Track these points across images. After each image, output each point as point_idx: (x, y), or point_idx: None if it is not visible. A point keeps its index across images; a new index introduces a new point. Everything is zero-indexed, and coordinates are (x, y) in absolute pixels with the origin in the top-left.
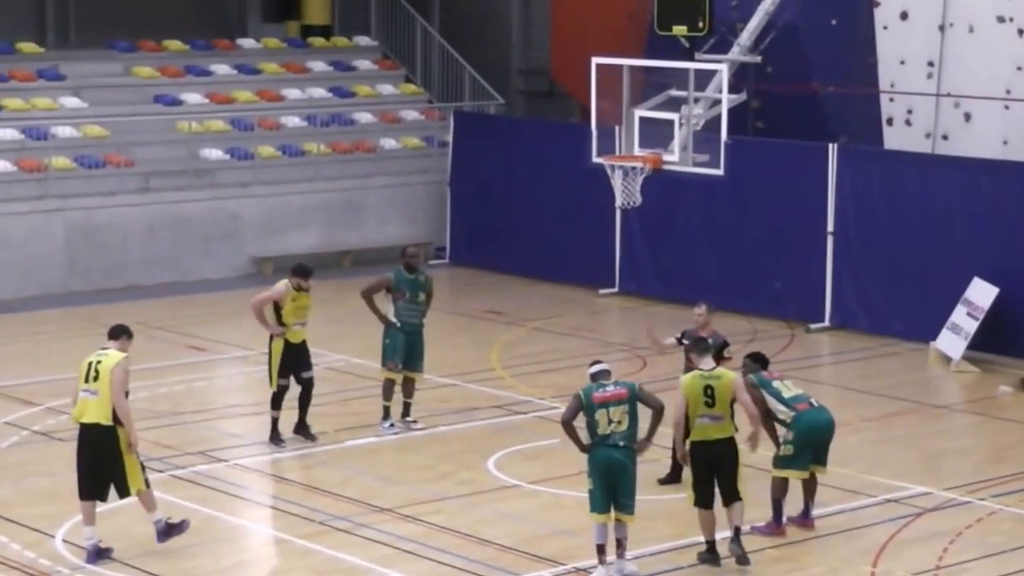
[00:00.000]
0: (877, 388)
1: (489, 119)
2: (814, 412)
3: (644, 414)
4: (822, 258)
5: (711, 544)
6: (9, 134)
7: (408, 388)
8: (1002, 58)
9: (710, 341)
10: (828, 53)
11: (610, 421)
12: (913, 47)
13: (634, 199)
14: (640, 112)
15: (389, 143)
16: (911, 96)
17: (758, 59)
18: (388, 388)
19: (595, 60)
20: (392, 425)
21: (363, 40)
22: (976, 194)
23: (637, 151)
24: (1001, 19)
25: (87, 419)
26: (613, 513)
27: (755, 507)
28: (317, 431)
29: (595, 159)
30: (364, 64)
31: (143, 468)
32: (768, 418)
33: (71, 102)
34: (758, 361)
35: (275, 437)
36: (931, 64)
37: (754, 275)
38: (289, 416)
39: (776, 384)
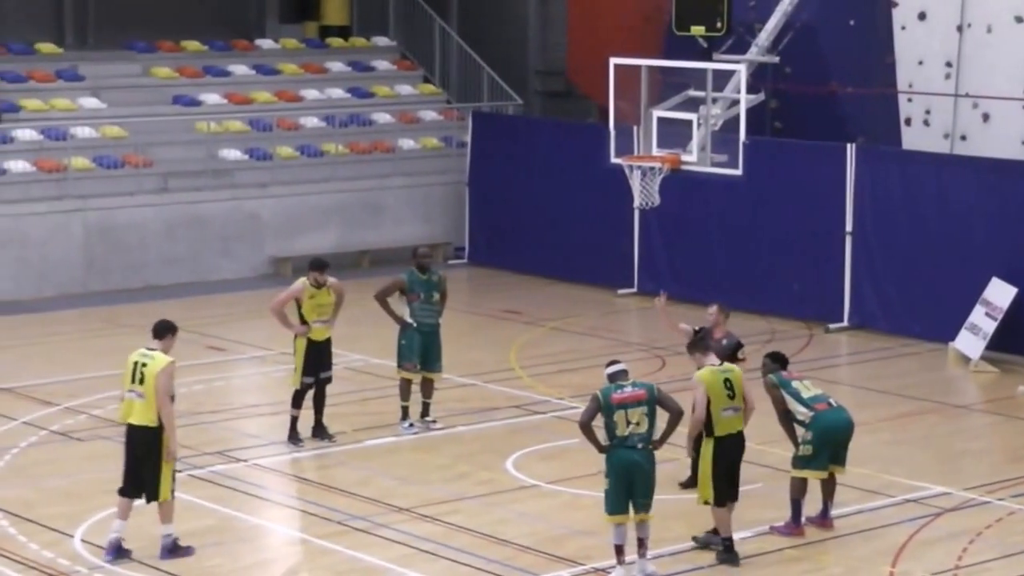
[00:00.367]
0: (896, 388)
1: (507, 119)
2: (833, 412)
3: (662, 415)
4: (840, 258)
5: (729, 543)
6: (28, 135)
7: (427, 388)
8: (1020, 58)
9: (723, 342)
10: (846, 53)
11: (629, 423)
12: (931, 47)
13: (652, 199)
14: (658, 112)
15: (407, 143)
16: (929, 96)
17: (776, 59)
18: (405, 388)
19: (613, 60)
20: (411, 425)
21: (381, 40)
22: (995, 194)
23: (655, 151)
24: (1019, 19)
25: (133, 420)
26: (631, 513)
27: (774, 508)
28: (335, 431)
29: (613, 159)
30: (382, 64)
31: (174, 478)
32: (787, 418)
33: (90, 103)
34: (777, 361)
35: (294, 436)
36: (949, 64)
37: (772, 275)
38: (307, 418)
39: (795, 384)
